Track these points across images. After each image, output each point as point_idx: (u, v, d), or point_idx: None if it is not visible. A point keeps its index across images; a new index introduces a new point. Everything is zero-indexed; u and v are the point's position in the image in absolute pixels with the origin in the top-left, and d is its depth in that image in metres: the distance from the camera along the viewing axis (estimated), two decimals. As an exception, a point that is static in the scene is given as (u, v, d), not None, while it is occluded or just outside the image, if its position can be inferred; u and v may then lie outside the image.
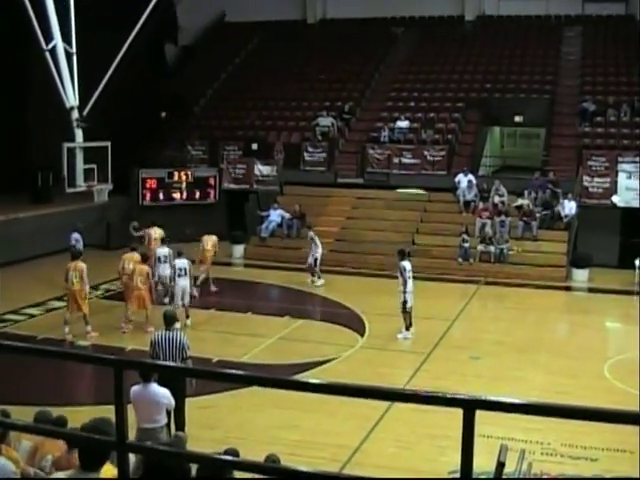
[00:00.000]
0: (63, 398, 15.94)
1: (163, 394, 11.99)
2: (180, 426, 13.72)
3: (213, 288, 26.49)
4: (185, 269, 22.86)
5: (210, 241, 26.91)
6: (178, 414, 13.81)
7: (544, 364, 20.11)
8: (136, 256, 23.12)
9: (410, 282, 21.89)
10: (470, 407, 3.45)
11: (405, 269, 21.78)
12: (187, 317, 22.58)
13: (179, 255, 23.12)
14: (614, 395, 17.34)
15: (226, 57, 45.61)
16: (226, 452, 8.63)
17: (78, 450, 5.14)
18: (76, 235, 27.19)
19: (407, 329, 21.95)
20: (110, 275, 26.66)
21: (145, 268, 22.24)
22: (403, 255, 22.35)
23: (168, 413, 12.66)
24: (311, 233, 28.75)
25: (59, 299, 25.45)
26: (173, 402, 12.27)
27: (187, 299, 22.85)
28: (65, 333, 21.15)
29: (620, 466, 13.97)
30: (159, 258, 24.16)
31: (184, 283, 22.80)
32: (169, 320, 14.46)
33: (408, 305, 21.77)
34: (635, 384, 17.99)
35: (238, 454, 8.67)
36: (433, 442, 14.47)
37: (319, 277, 28.24)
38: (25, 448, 9.40)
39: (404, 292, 21.76)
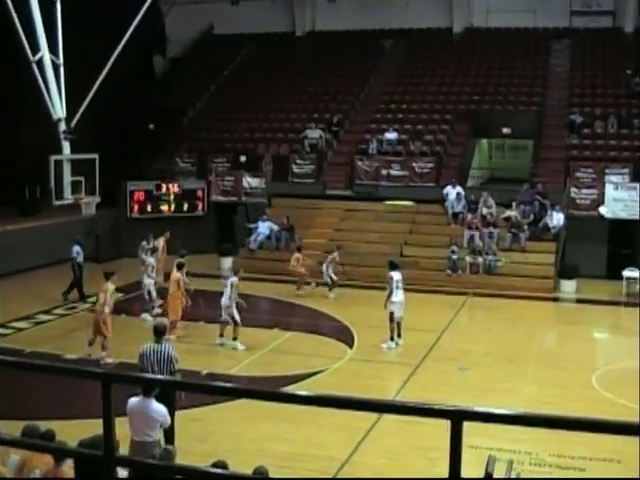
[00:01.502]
0: (51, 412, 15.87)
1: (160, 412, 11.90)
2: (170, 440, 13.68)
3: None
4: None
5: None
6: (168, 428, 13.77)
7: (532, 375, 20.14)
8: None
9: (400, 292, 21.90)
10: (458, 418, 3.45)
11: (392, 279, 21.81)
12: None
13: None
14: (602, 405, 17.37)
15: (215, 69, 45.67)
16: (214, 465, 8.62)
17: (74, 465, 5.13)
18: (77, 248, 27.28)
19: (392, 339, 21.96)
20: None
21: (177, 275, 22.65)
22: (392, 266, 22.39)
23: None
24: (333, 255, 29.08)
25: (47, 312, 25.45)
26: (169, 421, 12.20)
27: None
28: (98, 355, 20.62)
29: (608, 475, 13.98)
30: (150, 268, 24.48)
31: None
32: (159, 332, 14.36)
33: (396, 316, 21.80)
34: (623, 394, 18.06)
35: (227, 466, 8.66)
36: (423, 453, 14.44)
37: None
38: (13, 462, 9.36)
39: (391, 302, 21.82)
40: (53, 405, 16.66)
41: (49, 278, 29.65)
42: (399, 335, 22.09)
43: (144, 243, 27.49)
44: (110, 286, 20.83)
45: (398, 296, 21.87)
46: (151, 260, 24.61)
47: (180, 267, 22.96)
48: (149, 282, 24.61)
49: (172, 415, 13.80)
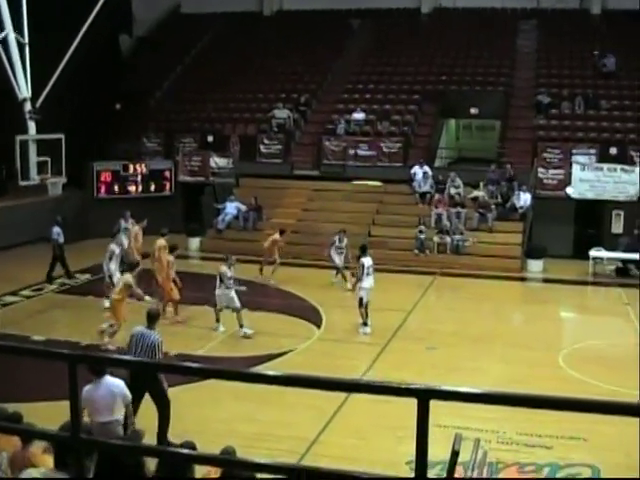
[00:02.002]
0: (19, 394, 15.77)
1: (118, 385, 11.86)
2: (163, 430, 13.73)
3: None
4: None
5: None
6: (161, 420, 13.84)
7: (500, 354, 20.26)
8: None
9: (370, 278, 21.91)
10: (424, 397, 3.46)
11: (363, 265, 21.82)
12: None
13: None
14: (569, 384, 17.50)
15: (182, 49, 45.37)
16: (183, 445, 8.61)
17: (54, 450, 5.10)
18: (57, 229, 27.10)
19: (365, 324, 21.94)
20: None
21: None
22: (363, 251, 22.41)
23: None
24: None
25: (13, 294, 25.28)
26: (129, 394, 12.14)
27: None
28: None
29: (575, 453, 14.12)
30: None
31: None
32: (150, 318, 14.35)
33: (364, 301, 21.81)
34: (589, 373, 18.24)
35: (195, 447, 8.65)
36: (390, 432, 14.49)
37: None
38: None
39: (360, 288, 21.84)
40: (20, 387, 16.55)
41: (15, 260, 29.44)
42: (366, 318, 22.07)
43: (122, 221, 27.37)
44: (127, 277, 20.76)
45: (368, 281, 21.88)
46: (113, 247, 24.17)
47: (172, 250, 22.94)
48: (113, 268, 24.03)
49: (167, 400, 13.91)
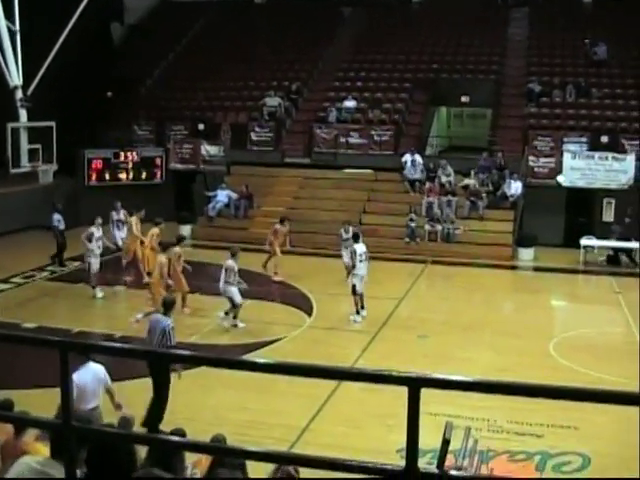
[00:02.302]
0: (10, 382, 15.76)
1: (100, 369, 12.01)
2: (159, 418, 13.80)
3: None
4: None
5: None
6: (158, 405, 13.91)
7: (490, 343, 20.30)
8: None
9: (363, 266, 21.88)
10: (415, 385, 3.46)
11: (356, 252, 21.79)
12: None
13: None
14: (559, 372, 17.55)
15: (173, 36, 45.22)
16: (173, 432, 8.63)
17: (50, 438, 5.08)
18: (57, 216, 27.22)
19: (357, 312, 21.94)
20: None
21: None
22: (356, 238, 22.39)
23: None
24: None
25: (4, 281, 25.27)
26: (109, 379, 12.26)
27: None
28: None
29: (565, 442, 14.18)
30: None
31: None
32: (166, 305, 14.72)
33: (357, 288, 21.79)
34: (580, 361, 18.30)
35: (185, 434, 8.67)
36: (381, 421, 14.53)
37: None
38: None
39: (353, 275, 21.82)
40: (12, 375, 16.54)
41: (5, 247, 29.39)
42: (362, 306, 22.05)
43: (113, 213, 27.36)
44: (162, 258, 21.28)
45: (361, 269, 21.87)
46: (93, 229, 24.17)
47: (180, 241, 22.97)
48: (95, 262, 23.93)
49: (167, 393, 14.01)
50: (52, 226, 27.10)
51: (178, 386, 15.32)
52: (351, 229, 26.13)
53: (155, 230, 24.48)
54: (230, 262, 21.00)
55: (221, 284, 20.97)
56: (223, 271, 20.99)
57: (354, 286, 21.80)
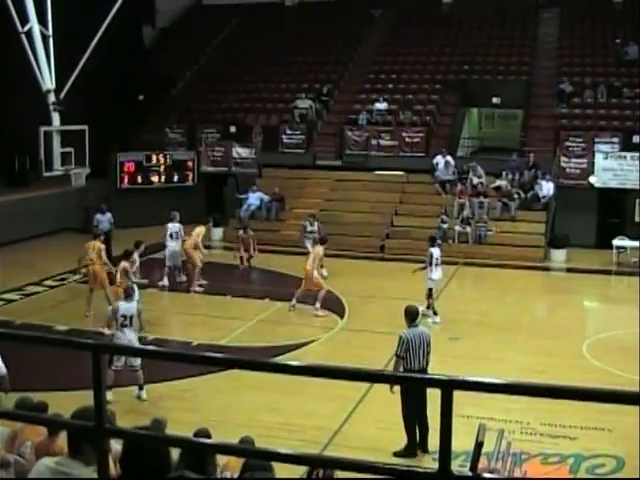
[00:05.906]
0: (44, 384, 15.84)
1: None
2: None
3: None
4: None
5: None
6: None
7: (523, 344, 20.19)
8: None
9: (439, 269, 22.16)
10: (448, 387, 3.45)
11: (432, 255, 21.92)
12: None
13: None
14: (593, 374, 17.44)
15: (204, 39, 45.39)
16: (197, 433, 8.65)
17: (67, 436, 5.11)
18: (108, 215, 27.65)
19: (435, 313, 22.05)
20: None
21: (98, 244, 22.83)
22: (433, 242, 22.50)
23: None
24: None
25: (37, 284, 25.41)
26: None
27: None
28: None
29: (599, 444, 14.08)
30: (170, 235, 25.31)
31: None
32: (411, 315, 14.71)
33: (433, 292, 22.01)
34: (613, 363, 18.16)
35: (209, 434, 8.69)
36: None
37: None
38: (3, 434, 9.35)
39: (430, 279, 21.93)
40: (45, 377, 16.63)
41: (39, 250, 29.60)
42: (435, 312, 22.07)
43: (169, 225, 25.65)
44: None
45: (437, 273, 22.07)
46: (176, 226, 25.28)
47: (137, 246, 22.80)
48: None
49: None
50: (99, 227, 26.40)
51: (209, 388, 15.38)
52: (316, 223, 28.21)
53: (201, 229, 25.20)
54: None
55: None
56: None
57: (430, 289, 22.03)
